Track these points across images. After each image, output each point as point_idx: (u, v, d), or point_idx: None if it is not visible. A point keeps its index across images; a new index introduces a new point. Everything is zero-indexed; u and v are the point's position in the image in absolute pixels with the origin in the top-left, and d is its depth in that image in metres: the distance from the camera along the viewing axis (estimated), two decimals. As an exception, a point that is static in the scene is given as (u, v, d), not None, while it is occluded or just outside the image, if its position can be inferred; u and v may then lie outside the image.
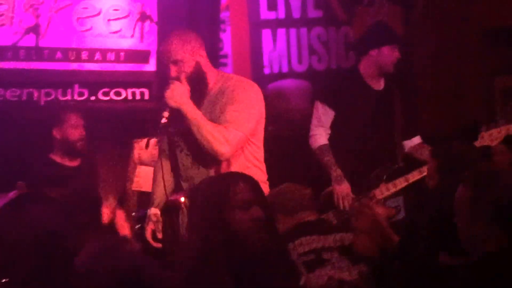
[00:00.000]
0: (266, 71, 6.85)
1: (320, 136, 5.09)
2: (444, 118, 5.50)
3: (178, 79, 4.00)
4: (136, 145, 5.94)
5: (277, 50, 6.87)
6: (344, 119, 5.09)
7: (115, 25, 6.30)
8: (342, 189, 4.88)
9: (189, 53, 4.06)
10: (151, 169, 5.34)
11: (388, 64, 5.08)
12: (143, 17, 6.31)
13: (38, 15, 5.99)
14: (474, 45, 6.78)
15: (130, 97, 6.29)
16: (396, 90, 5.22)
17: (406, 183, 4.86)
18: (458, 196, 2.77)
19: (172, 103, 3.92)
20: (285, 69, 6.88)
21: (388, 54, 5.07)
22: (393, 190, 4.88)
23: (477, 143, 4.80)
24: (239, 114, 3.98)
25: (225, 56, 6.87)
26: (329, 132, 5.11)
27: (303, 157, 5.40)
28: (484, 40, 6.67)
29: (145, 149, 5.66)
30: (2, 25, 5.95)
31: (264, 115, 4.16)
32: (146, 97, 6.34)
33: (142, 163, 5.90)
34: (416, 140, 5.25)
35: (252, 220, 2.74)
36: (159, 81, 6.38)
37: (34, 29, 5.95)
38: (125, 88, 6.30)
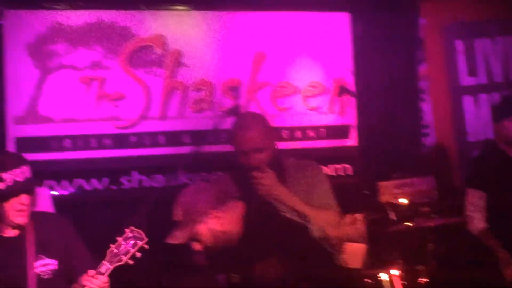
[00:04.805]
0: (471, 138, 6.61)
1: (478, 220, 5.09)
2: None
3: (259, 167, 3.80)
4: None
5: (480, 116, 6.61)
6: (497, 197, 5.01)
7: (314, 102, 6.29)
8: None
9: (270, 139, 3.88)
10: (358, 245, 5.23)
11: None
12: (341, 92, 6.27)
13: (236, 96, 6.08)
14: None
15: (333, 173, 6.22)
16: None
17: None
18: None
19: (268, 193, 3.75)
20: (491, 135, 6.58)
21: None
22: None
23: None
24: (331, 194, 3.99)
25: (427, 126, 6.68)
26: (486, 214, 5.07)
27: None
28: None
29: (351, 225, 5.58)
30: (202, 110, 6.07)
31: None
32: (349, 172, 6.27)
33: (349, 239, 5.78)
34: None
35: None
36: (362, 156, 6.31)
37: (234, 111, 6.01)
38: (326, 165, 6.24)
